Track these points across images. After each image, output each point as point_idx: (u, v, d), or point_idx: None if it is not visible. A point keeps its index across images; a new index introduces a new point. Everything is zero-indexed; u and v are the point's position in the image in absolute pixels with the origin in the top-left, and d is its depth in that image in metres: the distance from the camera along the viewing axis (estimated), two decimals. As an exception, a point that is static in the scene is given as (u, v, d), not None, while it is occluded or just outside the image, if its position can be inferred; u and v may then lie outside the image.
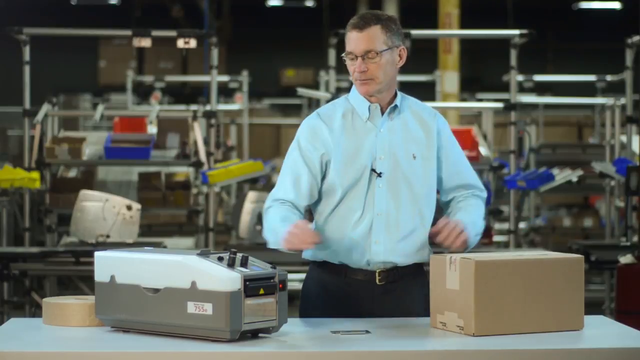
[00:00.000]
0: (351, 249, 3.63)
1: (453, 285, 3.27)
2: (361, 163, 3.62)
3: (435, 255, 3.42)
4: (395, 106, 3.68)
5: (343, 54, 3.66)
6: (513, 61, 8.36)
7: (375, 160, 3.63)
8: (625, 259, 6.65)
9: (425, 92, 14.43)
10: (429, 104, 3.88)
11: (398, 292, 3.65)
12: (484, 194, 3.81)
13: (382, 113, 3.67)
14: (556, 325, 3.29)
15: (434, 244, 3.62)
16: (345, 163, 3.62)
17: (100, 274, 3.30)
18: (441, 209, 3.80)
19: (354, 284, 3.65)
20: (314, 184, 3.65)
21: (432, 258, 3.41)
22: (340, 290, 3.66)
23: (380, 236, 3.61)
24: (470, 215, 3.67)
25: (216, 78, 8.62)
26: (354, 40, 3.60)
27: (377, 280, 3.63)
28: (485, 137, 9.61)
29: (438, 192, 3.77)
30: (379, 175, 3.62)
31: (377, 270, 3.63)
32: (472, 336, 3.19)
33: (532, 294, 3.27)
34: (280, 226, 3.53)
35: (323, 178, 3.66)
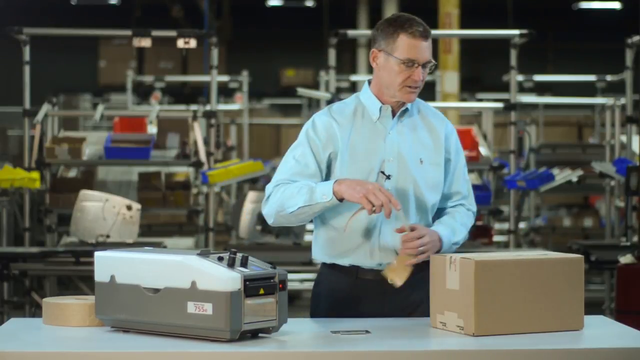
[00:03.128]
0: (361, 251, 3.62)
1: (453, 285, 3.28)
2: (369, 165, 3.60)
3: (435, 255, 3.41)
4: (406, 109, 3.67)
5: (396, 58, 3.55)
6: (513, 61, 8.35)
7: (384, 162, 3.61)
8: (625, 259, 6.65)
9: (426, 92, 14.42)
10: (429, 104, 3.87)
11: (406, 290, 3.62)
12: (474, 209, 3.79)
13: (393, 115, 3.65)
14: (556, 325, 3.30)
15: None
16: (354, 163, 3.60)
17: (100, 274, 3.30)
18: None
19: (365, 284, 3.64)
20: (318, 179, 3.59)
21: (432, 258, 3.40)
22: (350, 291, 3.65)
23: (387, 239, 3.59)
24: (451, 222, 3.66)
25: (216, 78, 8.62)
26: (419, 48, 3.55)
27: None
28: (485, 137, 9.61)
29: None
30: (388, 177, 3.60)
31: None
32: (472, 336, 3.20)
33: (532, 294, 3.28)
34: (314, 183, 3.48)
35: (329, 176, 3.63)
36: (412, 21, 3.58)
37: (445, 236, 3.58)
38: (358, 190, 3.40)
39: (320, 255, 3.71)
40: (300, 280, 10.05)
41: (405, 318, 3.58)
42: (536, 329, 3.27)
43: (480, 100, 15.28)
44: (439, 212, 3.75)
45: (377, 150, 3.62)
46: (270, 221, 3.61)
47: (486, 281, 3.22)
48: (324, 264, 3.72)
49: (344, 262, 3.66)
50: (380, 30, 3.61)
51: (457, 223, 3.68)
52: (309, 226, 11.08)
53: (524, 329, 3.25)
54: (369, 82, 3.72)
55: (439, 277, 3.34)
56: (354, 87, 17.94)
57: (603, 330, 3.41)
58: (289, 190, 3.53)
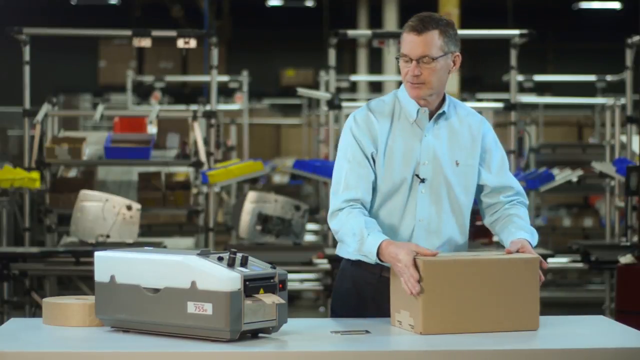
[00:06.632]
0: None
1: None
2: (405, 167, 3.59)
3: None
4: (443, 112, 3.64)
5: (397, 55, 3.60)
6: (513, 61, 8.35)
7: (419, 165, 3.59)
8: (625, 259, 6.65)
9: (425, 92, 14.37)
10: (465, 104, 3.85)
11: None
12: (527, 202, 3.79)
13: (430, 117, 3.63)
14: (510, 325, 3.30)
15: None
16: (390, 166, 3.59)
17: (100, 274, 3.30)
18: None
19: (388, 282, 3.64)
20: (374, 174, 3.59)
21: None
22: (373, 289, 3.64)
23: (421, 242, 3.56)
24: (526, 226, 3.62)
25: (216, 78, 8.62)
26: (411, 43, 3.54)
27: None
28: (485, 137, 9.58)
29: (478, 195, 3.74)
30: (422, 180, 3.59)
31: None
32: (420, 335, 3.22)
33: (484, 293, 3.28)
34: (366, 233, 3.43)
35: None
36: (416, 17, 3.58)
37: (532, 243, 3.54)
38: (395, 266, 3.34)
39: (347, 251, 3.67)
40: (300, 280, 10.04)
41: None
42: (489, 328, 3.27)
43: (480, 100, 15.25)
44: (494, 207, 3.72)
45: (412, 153, 3.60)
46: (336, 236, 3.61)
47: (434, 281, 3.24)
48: (347, 261, 3.70)
49: (371, 260, 3.62)
50: None
51: (528, 224, 3.64)
52: (310, 226, 11.12)
53: (475, 328, 3.26)
54: None
55: (398, 277, 3.36)
56: (354, 87, 17.95)
57: (603, 330, 3.41)
58: (347, 227, 3.50)
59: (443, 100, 3.67)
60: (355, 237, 3.47)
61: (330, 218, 3.60)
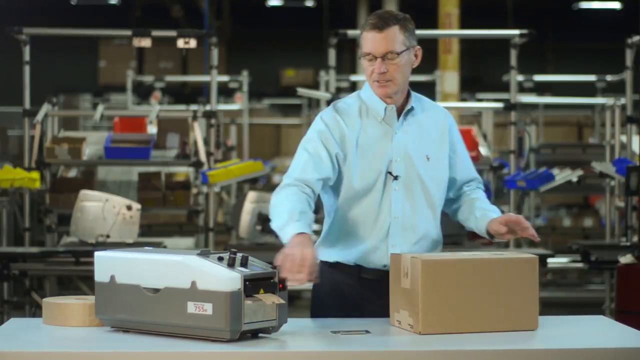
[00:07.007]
0: (368, 252, 3.62)
1: (406, 284, 3.31)
2: (377, 166, 3.61)
3: (394, 254, 3.43)
4: (412, 108, 3.67)
5: (359, 55, 3.62)
6: (513, 61, 8.35)
7: (391, 162, 3.62)
8: (625, 259, 6.65)
9: (425, 92, 14.38)
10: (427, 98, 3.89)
11: None
12: (482, 185, 3.85)
13: (398, 115, 3.66)
14: (509, 325, 3.31)
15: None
16: (362, 165, 3.61)
17: (100, 274, 3.30)
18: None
19: (368, 283, 3.64)
20: (332, 172, 3.59)
21: (392, 257, 3.42)
22: (353, 290, 3.65)
23: (397, 239, 3.61)
24: (492, 207, 3.69)
25: (216, 78, 8.62)
26: (374, 41, 3.57)
27: None
28: (485, 137, 9.60)
29: (450, 189, 3.78)
30: (395, 178, 3.61)
31: None
32: (420, 334, 3.22)
33: (483, 293, 3.29)
34: (296, 217, 3.39)
35: (338, 175, 3.63)
36: (374, 15, 3.61)
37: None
38: (286, 260, 3.31)
39: (324, 254, 3.68)
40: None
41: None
42: (488, 328, 3.28)
43: (480, 100, 15.26)
44: (458, 197, 3.77)
45: (384, 151, 3.62)
46: (270, 210, 3.59)
47: (433, 280, 3.24)
48: (324, 263, 3.69)
49: (349, 260, 3.65)
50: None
51: (490, 205, 3.71)
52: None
53: (475, 328, 3.27)
54: None
55: (396, 276, 3.37)
56: (353, 87, 17.90)
57: (603, 330, 3.41)
58: (288, 204, 3.47)
59: (408, 96, 3.69)
60: (287, 214, 3.42)
61: (276, 191, 3.55)
